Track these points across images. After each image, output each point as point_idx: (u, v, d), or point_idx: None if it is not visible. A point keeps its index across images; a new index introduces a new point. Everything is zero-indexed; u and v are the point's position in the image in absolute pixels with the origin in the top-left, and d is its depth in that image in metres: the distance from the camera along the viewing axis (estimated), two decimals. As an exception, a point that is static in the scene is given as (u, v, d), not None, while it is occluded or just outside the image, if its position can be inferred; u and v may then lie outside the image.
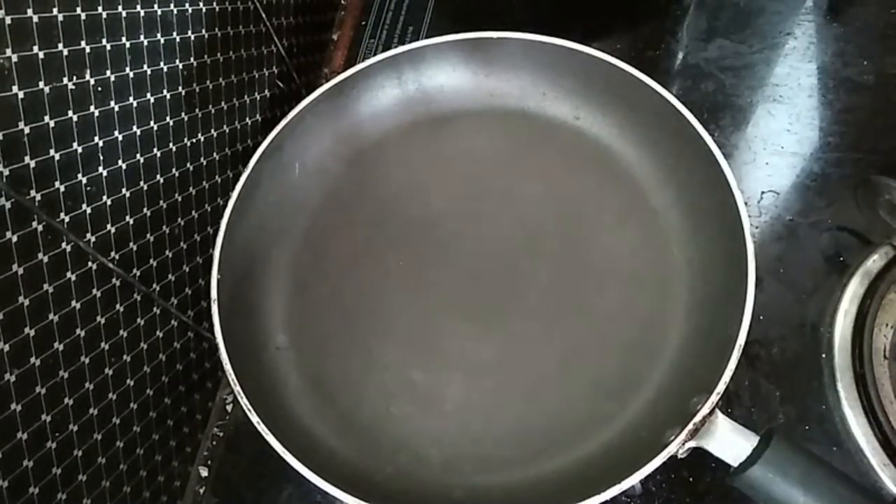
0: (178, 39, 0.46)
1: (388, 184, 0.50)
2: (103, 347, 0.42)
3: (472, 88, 0.51)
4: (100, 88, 0.40)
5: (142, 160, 0.44)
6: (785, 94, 0.54)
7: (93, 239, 0.41)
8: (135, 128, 0.43)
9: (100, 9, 0.39)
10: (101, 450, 0.42)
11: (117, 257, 0.43)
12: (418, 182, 0.50)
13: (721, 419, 0.37)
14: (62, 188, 0.38)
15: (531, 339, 0.44)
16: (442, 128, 0.51)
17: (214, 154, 0.52)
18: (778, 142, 0.52)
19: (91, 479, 0.41)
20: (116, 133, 0.42)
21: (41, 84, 0.36)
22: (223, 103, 0.52)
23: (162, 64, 0.45)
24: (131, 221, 0.44)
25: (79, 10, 0.37)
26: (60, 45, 0.36)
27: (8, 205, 0.34)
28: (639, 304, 0.44)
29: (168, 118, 0.46)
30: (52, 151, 0.37)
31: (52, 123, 0.37)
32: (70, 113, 0.38)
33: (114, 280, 0.42)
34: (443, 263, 0.47)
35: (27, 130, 0.35)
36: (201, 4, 0.48)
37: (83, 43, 0.38)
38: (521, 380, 0.44)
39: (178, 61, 0.46)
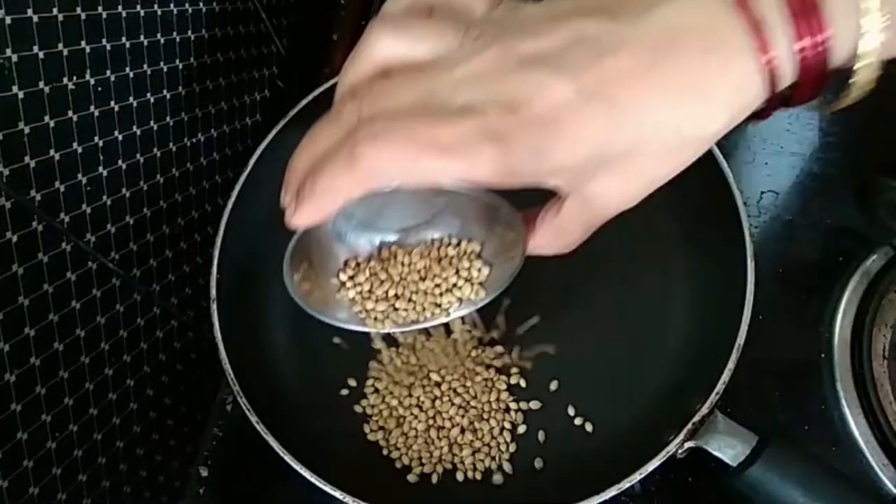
0: (178, 39, 0.46)
1: (388, 184, 0.50)
2: (103, 347, 0.42)
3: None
4: (100, 88, 0.40)
5: (142, 160, 0.44)
6: (785, 94, 0.54)
7: (93, 239, 0.41)
8: (135, 128, 0.43)
9: (100, 9, 0.39)
10: (101, 450, 0.42)
11: (117, 257, 0.43)
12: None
13: (720, 419, 0.37)
14: (62, 188, 0.38)
15: (530, 340, 0.44)
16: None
17: (214, 154, 0.52)
18: (778, 142, 0.52)
19: (91, 479, 0.41)
20: (116, 133, 0.42)
21: (41, 84, 0.36)
22: (223, 103, 0.52)
23: (162, 64, 0.45)
24: (131, 221, 0.44)
25: (79, 10, 0.37)
26: (60, 45, 0.36)
27: (8, 205, 0.34)
28: (638, 304, 0.44)
29: (168, 118, 0.46)
30: (52, 151, 0.37)
31: (52, 123, 0.37)
32: (70, 113, 0.38)
33: (114, 280, 0.42)
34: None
35: (27, 130, 0.35)
36: (201, 4, 0.48)
37: (83, 43, 0.38)
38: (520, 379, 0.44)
39: (178, 61, 0.46)
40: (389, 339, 0.45)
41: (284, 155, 0.48)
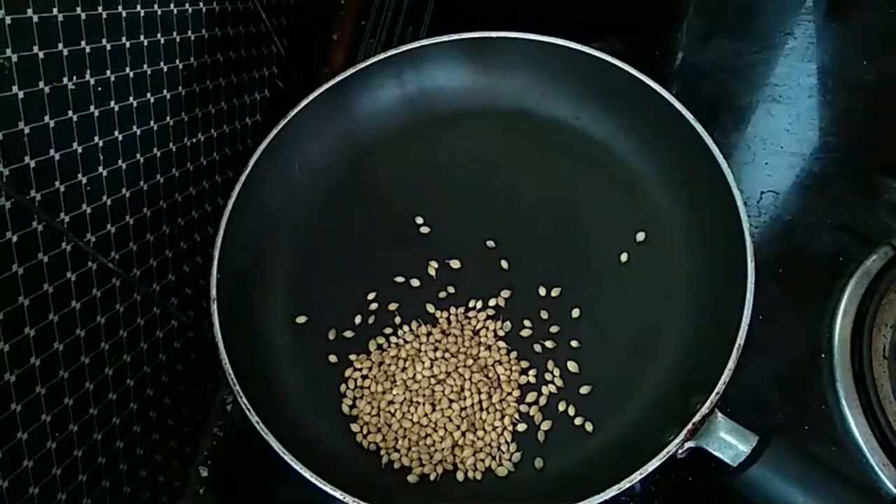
0: (178, 39, 0.46)
1: (388, 184, 0.50)
2: (103, 347, 0.42)
3: (472, 88, 0.51)
4: (100, 88, 0.40)
5: (142, 160, 0.44)
6: (785, 94, 0.54)
7: (93, 239, 0.41)
8: (135, 128, 0.43)
9: (100, 9, 0.39)
10: (101, 450, 0.42)
11: (117, 257, 0.43)
12: (418, 182, 0.50)
13: (720, 419, 0.37)
14: (62, 188, 0.38)
15: (530, 340, 0.44)
16: (442, 128, 0.51)
17: (214, 154, 0.52)
18: (778, 142, 0.52)
19: (91, 479, 0.41)
20: (116, 133, 0.42)
21: (41, 84, 0.36)
22: (223, 103, 0.53)
23: (162, 64, 0.45)
24: (131, 221, 0.44)
25: (79, 10, 0.37)
26: (60, 45, 0.36)
27: (8, 205, 0.34)
28: (639, 305, 0.44)
29: (168, 118, 0.46)
30: (52, 151, 0.37)
31: (52, 123, 0.37)
32: (70, 113, 0.38)
33: (114, 280, 0.42)
34: (441, 263, 0.47)
35: (27, 130, 0.35)
36: (201, 4, 0.48)
37: (83, 43, 0.38)
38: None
39: (178, 61, 0.46)
40: (387, 341, 0.45)
41: (284, 155, 0.48)
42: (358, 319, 0.46)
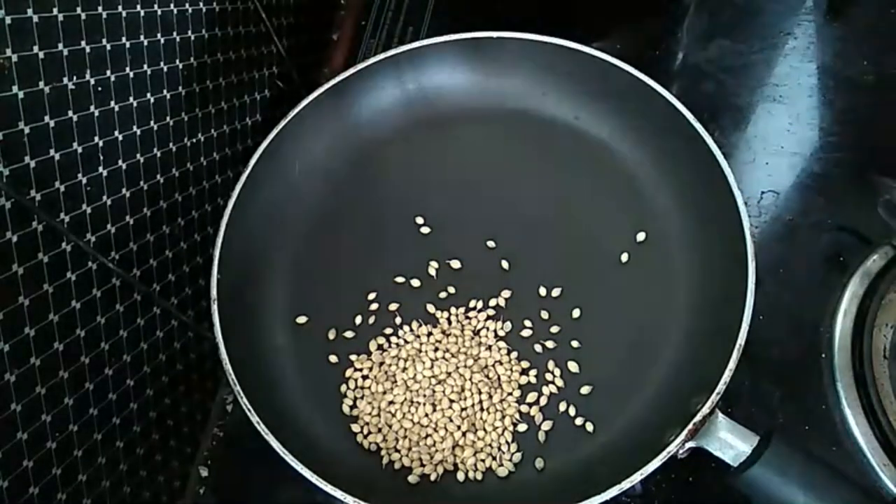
0: (178, 39, 0.46)
1: (388, 184, 0.50)
2: (103, 347, 0.42)
3: (471, 88, 0.51)
4: (100, 88, 0.40)
5: (142, 160, 0.44)
6: (785, 94, 0.54)
7: (93, 239, 0.41)
8: (135, 128, 0.43)
9: (100, 9, 0.39)
10: (101, 450, 0.42)
11: (117, 257, 0.43)
12: (418, 182, 0.50)
13: (721, 419, 0.37)
14: (62, 188, 0.38)
15: (531, 340, 0.44)
16: (442, 128, 0.51)
17: (214, 154, 0.52)
18: (778, 142, 0.52)
19: (91, 479, 0.41)
20: (116, 133, 0.42)
21: (41, 84, 0.36)
22: (223, 103, 0.53)
23: (162, 64, 0.45)
24: (131, 221, 0.44)
25: (79, 10, 0.37)
26: (60, 45, 0.36)
27: (8, 205, 0.34)
28: (639, 305, 0.44)
29: (168, 118, 0.46)
30: (52, 151, 0.37)
31: (52, 123, 0.37)
32: (70, 113, 0.38)
33: (114, 280, 0.42)
34: (442, 263, 0.47)
35: (27, 130, 0.35)
36: (201, 4, 0.48)
37: (83, 43, 0.38)
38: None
39: (178, 61, 0.46)
40: (387, 342, 0.45)
41: (284, 155, 0.48)
42: (358, 319, 0.46)
